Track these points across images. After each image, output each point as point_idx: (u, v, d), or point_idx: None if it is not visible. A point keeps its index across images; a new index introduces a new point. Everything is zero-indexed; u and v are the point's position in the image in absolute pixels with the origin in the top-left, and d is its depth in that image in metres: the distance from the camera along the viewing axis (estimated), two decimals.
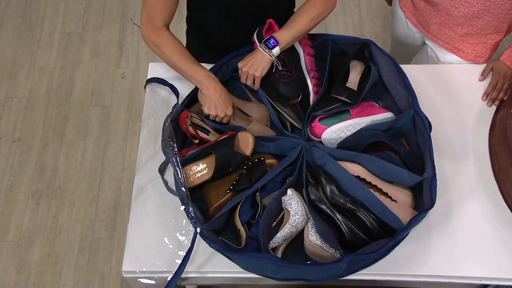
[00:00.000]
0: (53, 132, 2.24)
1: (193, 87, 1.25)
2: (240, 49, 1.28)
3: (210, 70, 1.26)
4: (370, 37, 2.42)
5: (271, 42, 1.16)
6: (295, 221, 1.10)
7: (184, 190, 1.09)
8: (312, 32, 1.33)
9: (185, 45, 1.53)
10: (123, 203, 2.07)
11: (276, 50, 1.16)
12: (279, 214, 1.16)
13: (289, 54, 1.25)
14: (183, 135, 1.25)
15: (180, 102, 1.23)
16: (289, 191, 1.12)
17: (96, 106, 2.31)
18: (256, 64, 1.17)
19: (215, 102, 1.17)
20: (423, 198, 1.11)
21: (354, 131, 1.21)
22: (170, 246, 1.13)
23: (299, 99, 1.24)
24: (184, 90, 1.28)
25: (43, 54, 2.45)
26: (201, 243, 1.11)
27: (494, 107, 1.31)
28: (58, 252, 1.97)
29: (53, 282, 1.92)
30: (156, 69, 1.37)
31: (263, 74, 1.19)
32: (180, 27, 2.51)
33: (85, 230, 2.02)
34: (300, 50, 1.30)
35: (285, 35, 1.17)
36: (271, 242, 1.10)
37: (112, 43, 2.49)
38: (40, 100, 2.33)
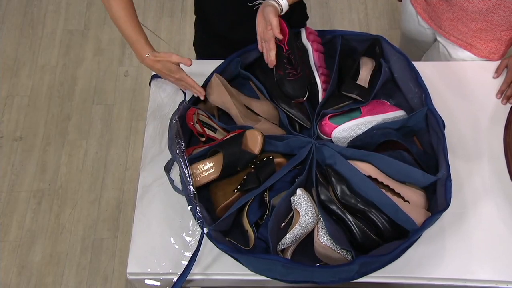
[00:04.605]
0: (55, 131, 2.22)
1: (201, 83, 1.22)
2: (247, 46, 1.25)
3: (218, 67, 1.23)
4: None
5: None
6: (305, 221, 1.07)
7: (192, 189, 1.06)
8: (321, 28, 1.31)
9: (193, 38, 1.52)
10: (126, 203, 2.05)
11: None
12: (288, 214, 1.13)
13: (295, 52, 1.23)
14: (190, 133, 1.22)
15: (187, 98, 1.21)
16: (299, 191, 1.09)
17: (98, 105, 2.29)
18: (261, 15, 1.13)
19: (161, 74, 1.18)
20: (437, 199, 1.08)
21: (365, 130, 1.18)
22: (176, 246, 1.10)
23: (304, 98, 1.21)
24: None
25: (45, 52, 2.43)
26: (207, 244, 1.08)
27: (509, 105, 1.28)
28: (60, 253, 1.95)
29: (55, 283, 1.90)
30: None
31: (271, 18, 1.10)
32: (183, 24, 2.50)
33: (87, 230, 2.00)
34: (308, 47, 1.28)
35: None
36: (280, 243, 1.07)
37: (115, 40, 2.47)
38: (42, 98, 2.30)
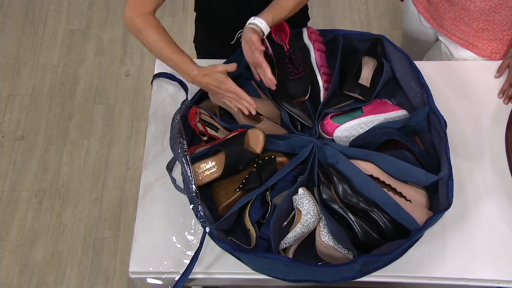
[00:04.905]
0: (57, 130, 2.22)
1: None
2: None
3: None
4: None
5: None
6: (307, 220, 1.07)
7: (194, 188, 1.06)
8: (323, 28, 1.32)
9: (194, 36, 1.52)
10: (127, 202, 2.05)
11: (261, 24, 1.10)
12: (290, 213, 1.13)
13: (296, 52, 1.23)
14: (192, 132, 1.22)
15: (189, 97, 1.21)
16: (301, 190, 1.09)
17: (100, 104, 2.29)
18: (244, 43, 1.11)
19: (211, 89, 1.13)
20: (439, 198, 1.08)
21: (367, 129, 1.18)
22: (178, 245, 1.10)
23: (306, 97, 1.21)
24: (193, 85, 1.25)
25: (47, 51, 2.43)
26: (209, 243, 1.08)
27: (510, 105, 1.28)
28: (62, 252, 1.95)
29: (56, 282, 1.90)
30: (163, 66, 1.34)
31: (250, 36, 1.08)
32: (184, 24, 2.50)
33: (88, 229, 2.00)
34: (310, 46, 1.28)
35: (267, 14, 1.13)
36: (282, 242, 1.07)
37: (117, 40, 2.47)
38: (44, 97, 2.30)
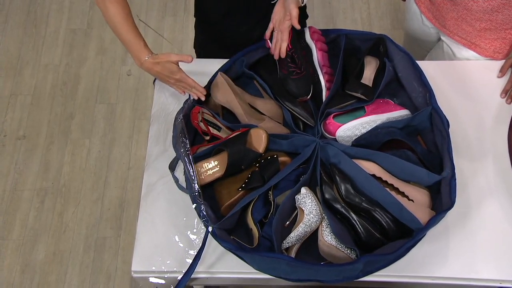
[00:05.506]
0: (58, 130, 2.22)
1: (205, 82, 1.22)
2: (250, 45, 1.26)
3: (223, 66, 1.23)
4: None
5: None
6: (309, 220, 1.07)
7: (196, 187, 1.06)
8: (324, 28, 1.31)
9: (193, 39, 1.52)
10: (129, 202, 2.05)
11: None
12: (292, 213, 1.13)
13: (298, 51, 1.23)
14: (194, 131, 1.22)
15: (191, 97, 1.21)
16: (303, 190, 1.09)
17: (101, 104, 2.29)
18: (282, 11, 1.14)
19: (161, 77, 1.15)
20: (442, 198, 1.08)
21: (370, 129, 1.18)
22: (181, 245, 1.10)
23: (308, 97, 1.21)
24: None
25: (48, 51, 2.43)
26: (211, 242, 1.09)
27: None
28: (63, 251, 1.95)
29: (58, 282, 1.90)
30: None
31: (292, 8, 1.11)
32: (186, 24, 2.50)
33: (90, 228, 2.00)
34: (312, 46, 1.28)
35: None
36: (284, 242, 1.07)
37: (118, 40, 2.46)
38: (45, 97, 2.31)
